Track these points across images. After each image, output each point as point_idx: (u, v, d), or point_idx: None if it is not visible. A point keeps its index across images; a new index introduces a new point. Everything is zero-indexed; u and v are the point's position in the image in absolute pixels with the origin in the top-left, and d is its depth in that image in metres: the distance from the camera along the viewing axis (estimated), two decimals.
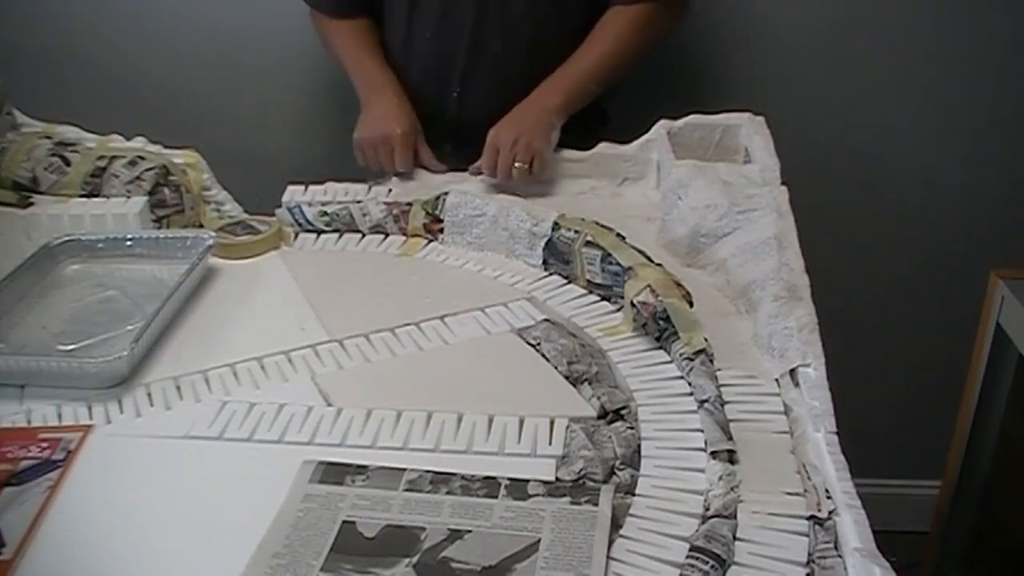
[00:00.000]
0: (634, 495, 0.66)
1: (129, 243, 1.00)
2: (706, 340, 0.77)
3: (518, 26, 1.17)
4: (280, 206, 1.09)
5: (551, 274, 0.96)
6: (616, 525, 0.63)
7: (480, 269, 0.99)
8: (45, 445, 0.74)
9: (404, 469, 0.69)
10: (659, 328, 0.81)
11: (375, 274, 0.99)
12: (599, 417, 0.75)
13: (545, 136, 1.10)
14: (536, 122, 1.11)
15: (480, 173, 1.12)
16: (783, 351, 0.78)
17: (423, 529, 0.63)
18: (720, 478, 0.65)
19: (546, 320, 0.89)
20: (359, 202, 1.07)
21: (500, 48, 1.18)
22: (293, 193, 1.09)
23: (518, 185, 1.09)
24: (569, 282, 0.94)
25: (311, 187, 1.09)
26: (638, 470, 0.69)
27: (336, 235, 1.07)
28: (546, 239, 0.96)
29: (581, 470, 0.69)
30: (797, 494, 0.65)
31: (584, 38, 1.16)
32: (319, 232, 1.08)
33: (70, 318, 0.91)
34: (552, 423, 0.74)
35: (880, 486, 1.71)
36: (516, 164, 1.08)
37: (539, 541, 0.62)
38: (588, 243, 0.91)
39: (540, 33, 1.17)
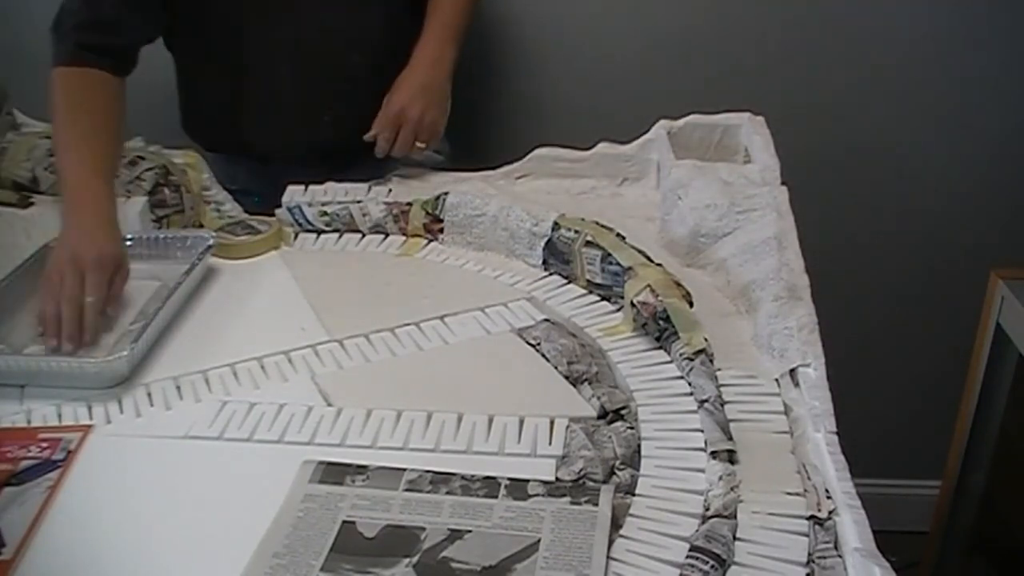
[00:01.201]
0: (634, 495, 0.66)
1: (129, 243, 0.99)
2: (706, 340, 0.77)
3: (374, 35, 1.15)
4: (280, 206, 1.09)
5: (551, 274, 0.96)
6: (616, 525, 0.63)
7: (480, 269, 0.99)
8: (45, 445, 0.74)
9: (404, 469, 0.69)
10: (659, 328, 0.81)
11: (375, 274, 0.99)
12: (599, 417, 0.75)
13: (446, 110, 1.11)
14: (441, 94, 1.11)
15: (374, 141, 1.11)
16: (783, 351, 0.78)
17: (423, 529, 0.63)
18: (720, 478, 0.65)
19: (546, 320, 0.89)
20: (359, 202, 1.07)
21: (359, 60, 1.15)
22: (293, 193, 1.09)
23: (413, 159, 1.12)
24: (569, 282, 0.94)
25: (311, 187, 1.09)
26: (638, 470, 0.69)
27: (336, 235, 1.07)
28: (546, 239, 0.96)
29: (581, 470, 0.69)
30: (797, 494, 0.65)
31: None
32: (319, 232, 1.08)
33: None
34: (552, 423, 0.74)
35: (880, 486, 1.71)
36: (419, 144, 1.10)
37: (539, 541, 0.62)
38: (588, 243, 0.91)
39: (398, 37, 1.14)
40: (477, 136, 1.46)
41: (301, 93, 1.16)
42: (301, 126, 1.17)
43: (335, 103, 1.16)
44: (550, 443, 0.72)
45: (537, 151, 1.14)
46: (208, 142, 1.22)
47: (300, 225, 1.08)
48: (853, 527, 0.61)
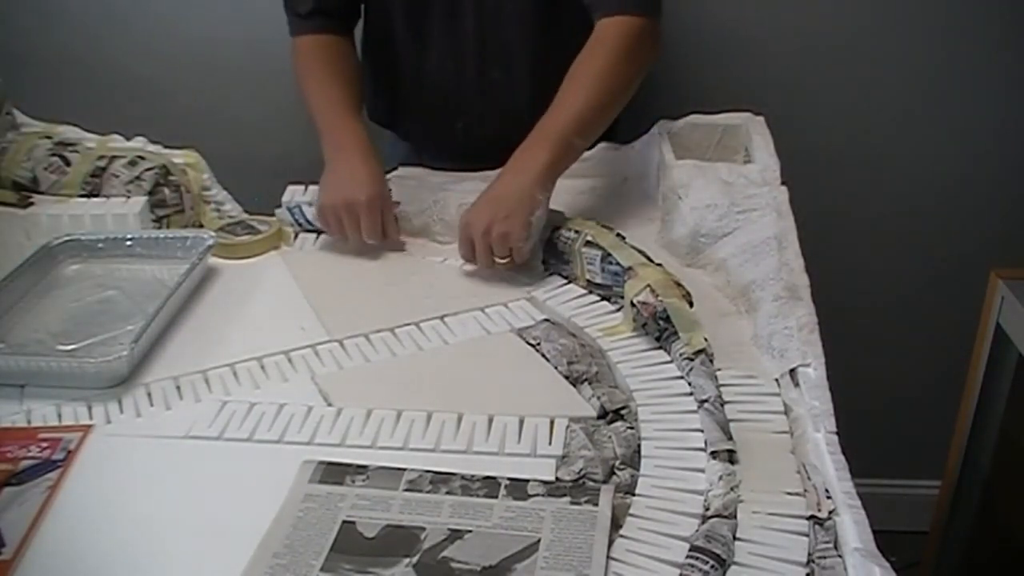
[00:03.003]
0: (634, 495, 0.66)
1: (129, 243, 1.00)
2: (706, 340, 0.77)
3: (518, 55, 1.14)
4: (280, 206, 1.09)
5: (551, 274, 0.96)
6: (616, 525, 0.63)
7: (480, 269, 0.99)
8: (45, 445, 0.74)
9: (404, 469, 0.69)
10: (659, 328, 0.81)
11: (375, 274, 0.99)
12: (599, 417, 0.75)
13: (523, 222, 0.94)
14: (516, 206, 0.94)
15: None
16: (783, 351, 0.78)
17: (423, 529, 0.63)
18: (720, 478, 0.65)
19: (546, 320, 0.89)
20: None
21: (502, 78, 1.15)
22: (293, 193, 1.09)
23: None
24: (569, 282, 0.94)
25: (311, 187, 1.09)
26: (638, 470, 0.69)
27: None
28: (546, 239, 0.95)
29: (581, 470, 0.69)
30: (797, 494, 0.65)
31: None
32: (319, 232, 1.08)
33: (70, 318, 0.91)
34: (552, 423, 0.74)
35: (880, 486, 1.71)
36: (498, 260, 0.95)
37: (539, 541, 0.62)
38: (588, 243, 0.91)
39: (540, 59, 1.14)
40: None
41: (439, 97, 1.18)
42: (437, 127, 1.20)
43: (469, 113, 1.18)
44: (550, 443, 0.72)
45: None
46: (371, 115, 1.25)
47: (300, 225, 1.08)
48: (853, 527, 0.61)
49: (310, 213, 1.07)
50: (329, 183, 1.04)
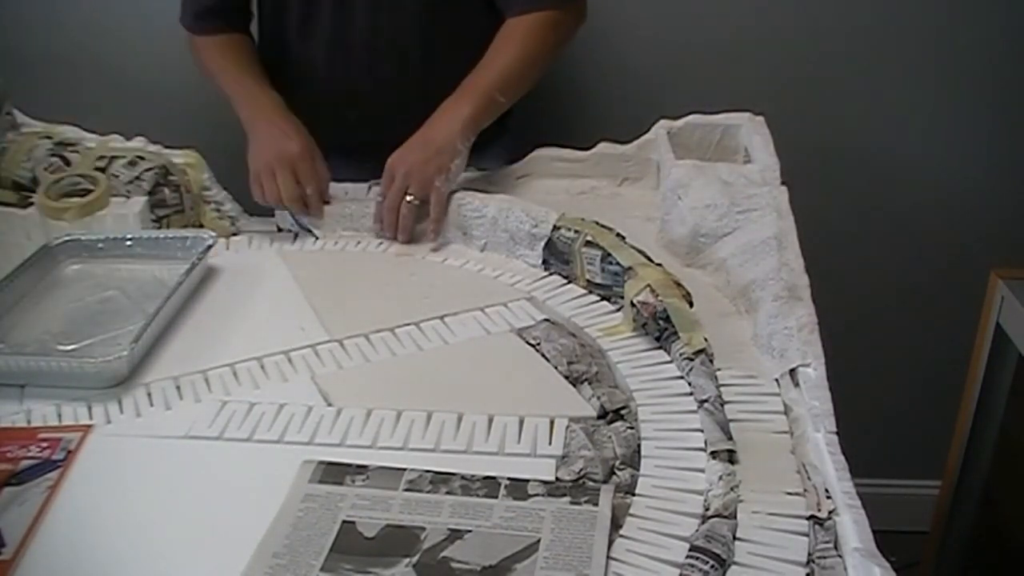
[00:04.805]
0: (634, 495, 0.66)
1: (129, 243, 1.00)
2: (706, 340, 0.77)
3: (405, 41, 1.14)
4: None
5: (551, 274, 0.96)
6: (616, 525, 0.63)
7: (480, 269, 0.99)
8: (45, 445, 0.74)
9: (404, 469, 0.69)
10: (659, 328, 0.81)
11: (375, 274, 0.99)
12: (599, 417, 0.75)
13: (444, 167, 1.01)
14: (438, 150, 1.01)
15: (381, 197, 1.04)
16: (783, 351, 0.78)
17: (423, 529, 0.63)
18: (720, 478, 0.65)
19: (546, 320, 0.89)
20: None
21: (388, 65, 1.15)
22: None
23: (407, 222, 1.02)
24: (569, 282, 0.94)
25: None
26: (638, 470, 0.69)
27: None
28: (546, 239, 0.96)
29: (581, 470, 0.69)
30: (797, 494, 0.65)
31: (478, 57, 1.10)
32: None
33: (70, 318, 0.91)
34: (552, 423, 0.74)
35: (880, 486, 1.71)
36: (407, 198, 1.01)
37: (539, 541, 0.62)
38: (588, 243, 0.91)
39: (433, 55, 1.14)
40: (477, 136, 1.46)
41: (332, 87, 1.17)
42: (331, 118, 1.18)
43: (363, 103, 1.17)
44: (550, 443, 0.72)
45: (537, 151, 1.14)
46: None
47: (300, 225, 1.08)
48: (853, 527, 0.61)
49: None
50: (256, 145, 1.06)
